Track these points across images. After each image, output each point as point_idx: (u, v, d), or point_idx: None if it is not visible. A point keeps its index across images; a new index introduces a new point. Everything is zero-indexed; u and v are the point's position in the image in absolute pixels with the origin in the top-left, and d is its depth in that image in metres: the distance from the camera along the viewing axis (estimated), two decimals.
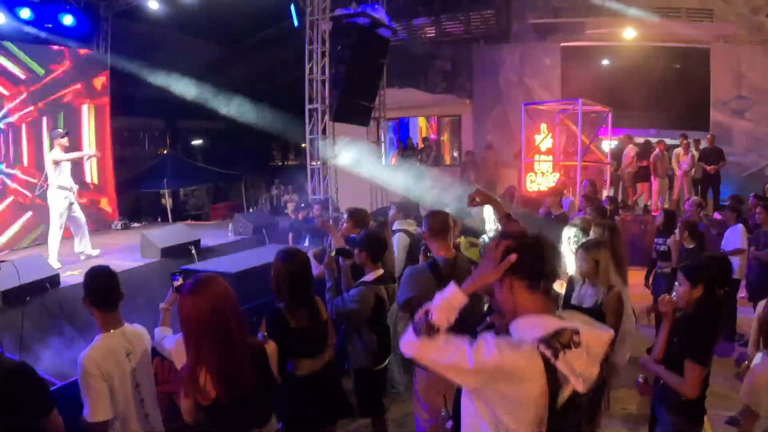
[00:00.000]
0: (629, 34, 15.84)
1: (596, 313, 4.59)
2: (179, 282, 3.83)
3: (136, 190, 15.41)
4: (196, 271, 6.11)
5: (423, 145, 18.83)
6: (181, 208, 16.72)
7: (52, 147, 9.40)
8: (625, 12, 15.67)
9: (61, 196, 9.14)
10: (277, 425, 3.26)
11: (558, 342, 2.12)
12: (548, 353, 2.10)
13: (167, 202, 16.39)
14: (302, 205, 11.61)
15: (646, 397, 4.65)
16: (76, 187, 9.47)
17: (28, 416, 2.89)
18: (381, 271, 4.81)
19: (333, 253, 5.00)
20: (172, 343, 3.57)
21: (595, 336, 2.24)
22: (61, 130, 9.58)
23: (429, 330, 2.18)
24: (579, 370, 2.13)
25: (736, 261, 8.01)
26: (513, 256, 2.20)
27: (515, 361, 2.12)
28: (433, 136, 20.53)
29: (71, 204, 9.29)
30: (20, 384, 2.87)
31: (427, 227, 4.48)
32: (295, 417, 3.90)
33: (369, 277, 4.80)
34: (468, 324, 2.40)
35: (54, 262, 8.63)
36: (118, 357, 3.31)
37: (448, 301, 2.24)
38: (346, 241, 5.50)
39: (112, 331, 3.37)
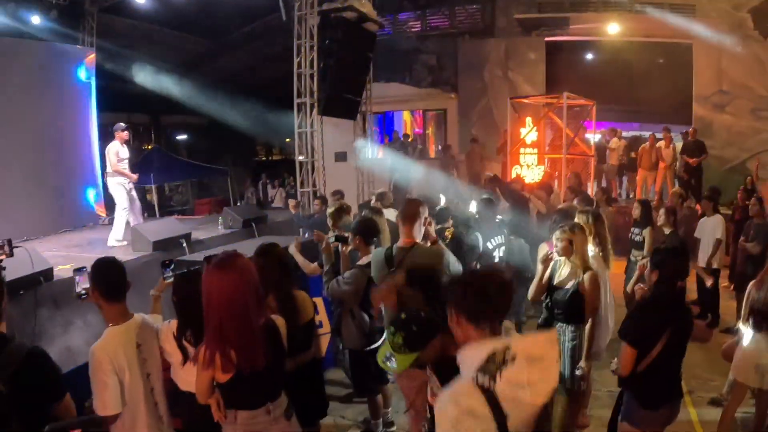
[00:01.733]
0: (613, 29, 16.02)
1: (573, 293, 4.81)
2: (170, 273, 3.94)
3: None
4: (187, 262, 6.19)
5: (403, 140, 18.88)
6: (166, 204, 16.67)
7: (113, 139, 9.96)
8: (608, 7, 15.88)
9: (121, 186, 9.87)
10: (287, 400, 3.31)
11: (492, 364, 2.14)
12: (486, 382, 2.13)
13: (153, 197, 16.36)
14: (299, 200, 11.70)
15: None
16: (135, 176, 10.15)
17: (42, 401, 2.92)
18: None
19: (332, 240, 5.18)
20: (163, 333, 3.65)
21: (531, 342, 2.27)
22: (122, 124, 10.16)
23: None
24: (526, 381, 2.14)
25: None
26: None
27: (459, 408, 2.15)
28: (417, 129, 20.62)
29: (130, 191, 10.04)
30: (35, 369, 2.88)
31: (400, 213, 4.67)
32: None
33: (362, 261, 4.99)
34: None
35: (112, 242, 9.76)
36: (128, 349, 3.31)
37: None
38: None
39: (122, 323, 3.35)
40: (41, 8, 11.88)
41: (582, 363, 4.84)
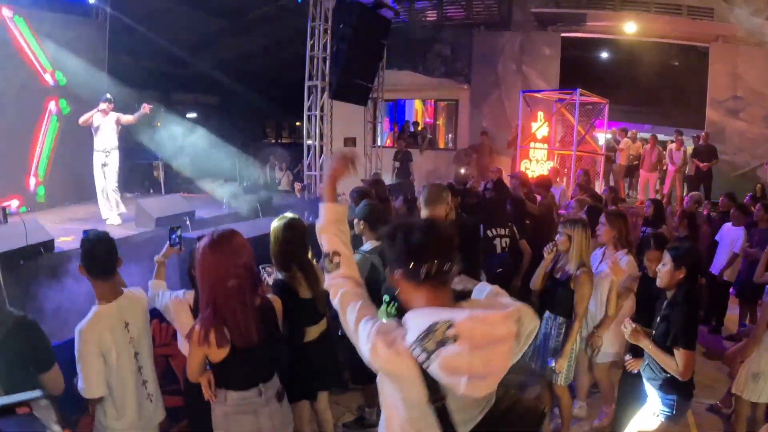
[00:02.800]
0: (630, 28, 15.89)
1: (563, 287, 4.85)
2: (176, 239, 3.91)
3: (129, 161, 15.32)
4: (191, 239, 6.15)
5: (413, 129, 18.85)
6: (173, 181, 16.60)
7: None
8: (626, 6, 15.75)
9: (96, 159, 9.66)
10: (279, 382, 3.31)
11: (430, 341, 1.82)
12: (421, 358, 1.83)
13: (160, 174, 16.32)
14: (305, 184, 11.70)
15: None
16: (112, 150, 9.77)
17: (29, 370, 2.91)
18: (378, 242, 4.86)
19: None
20: (170, 300, 3.63)
21: (481, 321, 1.86)
22: (107, 95, 9.86)
23: (330, 261, 2.16)
24: (465, 369, 1.81)
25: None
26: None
27: (387, 360, 1.93)
28: (428, 119, 20.56)
29: (104, 166, 9.68)
30: (24, 337, 2.88)
31: (423, 197, 4.63)
32: (293, 382, 3.93)
33: (366, 246, 4.91)
34: None
35: (110, 217, 9.68)
36: (115, 329, 3.28)
37: (327, 220, 2.24)
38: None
39: (109, 302, 3.29)
40: None
41: (563, 359, 4.83)
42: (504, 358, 1.91)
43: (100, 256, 3.29)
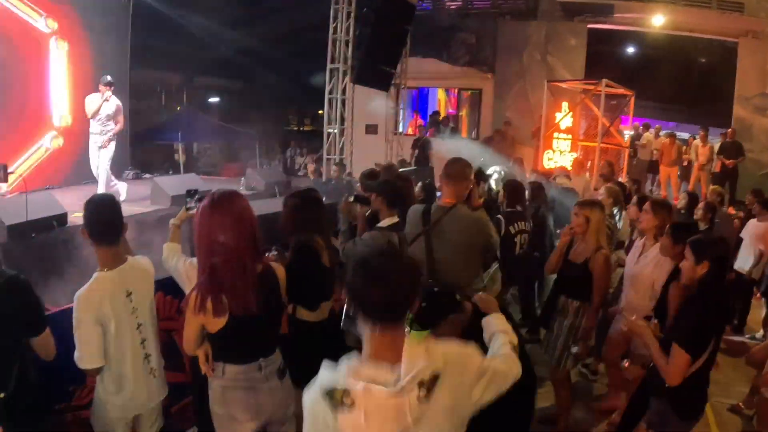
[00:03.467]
0: (658, 20, 15.62)
1: (582, 270, 4.66)
2: (192, 203, 3.77)
3: (149, 143, 15.37)
4: None
5: (434, 117, 18.71)
6: (193, 164, 16.66)
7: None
8: None
9: (93, 142, 9.51)
10: (281, 359, 3.14)
11: (332, 399, 1.82)
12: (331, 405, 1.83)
13: (180, 157, 16.35)
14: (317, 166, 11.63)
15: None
16: (108, 133, 9.55)
17: (19, 331, 2.81)
18: (396, 219, 4.70)
19: (351, 199, 4.97)
20: (185, 265, 3.48)
21: (371, 396, 1.79)
22: (107, 77, 9.66)
23: None
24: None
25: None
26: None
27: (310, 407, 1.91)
28: (451, 110, 20.38)
29: (100, 149, 9.51)
30: (12, 297, 2.76)
31: (444, 171, 4.37)
32: (301, 359, 3.77)
33: (383, 223, 4.72)
34: None
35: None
36: (117, 297, 3.10)
37: None
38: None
39: (111, 269, 3.11)
40: None
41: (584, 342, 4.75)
42: (405, 419, 1.82)
43: (104, 219, 3.14)
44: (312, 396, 1.88)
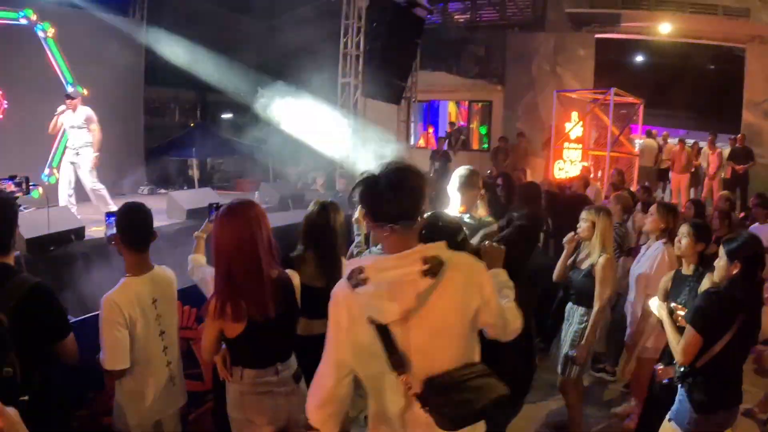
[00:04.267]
0: (665, 28, 15.70)
1: (585, 276, 4.73)
2: (215, 215, 3.90)
3: (164, 158, 15.52)
4: None
5: (451, 130, 18.82)
6: (207, 179, 16.79)
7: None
8: (661, 6, 15.56)
9: (65, 156, 9.19)
10: (296, 364, 3.20)
11: (352, 280, 2.19)
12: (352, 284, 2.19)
13: (194, 172, 16.50)
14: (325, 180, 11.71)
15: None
16: (84, 148, 9.11)
17: (43, 337, 2.87)
18: None
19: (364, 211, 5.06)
20: (210, 275, 3.57)
21: (383, 262, 2.20)
22: (69, 88, 9.42)
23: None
24: (371, 303, 2.14)
25: None
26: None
27: (335, 292, 2.27)
28: (462, 122, 20.49)
29: (73, 164, 9.08)
30: (38, 303, 2.82)
31: (452, 181, 4.53)
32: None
33: None
34: None
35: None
36: (143, 303, 3.18)
37: None
38: None
39: (138, 275, 3.21)
40: None
41: (584, 348, 4.68)
42: (407, 289, 2.14)
43: (138, 225, 3.26)
44: (338, 285, 2.27)
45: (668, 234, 4.95)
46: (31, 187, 5.49)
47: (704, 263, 4.23)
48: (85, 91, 10.42)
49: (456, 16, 19.05)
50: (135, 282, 3.20)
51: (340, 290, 2.25)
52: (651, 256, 5.04)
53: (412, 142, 16.36)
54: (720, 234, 7.07)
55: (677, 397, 3.67)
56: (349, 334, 2.22)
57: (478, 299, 2.25)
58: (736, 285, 3.44)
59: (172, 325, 3.40)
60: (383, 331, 2.14)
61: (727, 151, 14.44)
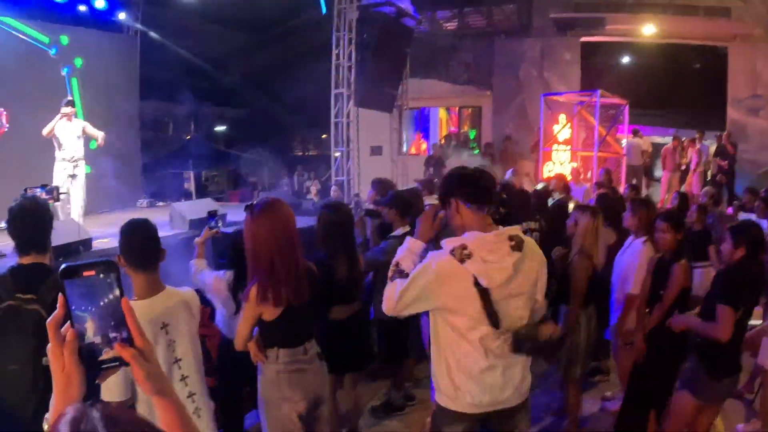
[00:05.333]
0: (648, 30, 16.03)
1: (563, 273, 4.97)
2: (215, 223, 4.19)
3: (160, 171, 15.76)
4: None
5: (443, 139, 19.11)
6: (202, 192, 17.02)
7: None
8: (644, 9, 15.90)
9: (60, 169, 8.89)
10: (317, 346, 3.49)
11: (458, 254, 2.71)
12: (458, 257, 2.72)
13: (191, 185, 16.73)
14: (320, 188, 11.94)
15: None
16: (80, 159, 9.08)
17: None
18: (408, 228, 5.10)
19: (363, 214, 5.40)
20: (211, 279, 3.89)
21: (482, 239, 2.76)
22: (68, 98, 9.18)
23: (401, 275, 2.81)
24: (481, 272, 2.70)
25: None
26: (441, 215, 2.93)
27: (440, 261, 2.75)
28: (453, 128, 20.78)
29: (71, 177, 8.93)
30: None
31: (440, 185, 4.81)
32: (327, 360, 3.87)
33: (398, 232, 5.16)
34: None
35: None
36: (148, 330, 2.67)
37: (410, 249, 2.92)
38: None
39: (145, 298, 2.90)
40: None
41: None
42: (507, 259, 2.76)
43: (140, 242, 2.97)
44: (441, 259, 2.76)
45: (646, 228, 5.19)
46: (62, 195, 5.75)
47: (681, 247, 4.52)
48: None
49: (444, 24, 19.30)
50: (139, 306, 2.73)
51: (446, 263, 2.75)
52: (632, 253, 5.21)
53: (404, 149, 16.62)
54: (697, 227, 7.35)
55: (688, 365, 4.02)
56: (457, 299, 2.79)
57: (541, 274, 3.01)
58: (745, 265, 3.85)
59: (189, 351, 3.03)
60: (485, 294, 2.72)
61: (713, 148, 14.78)
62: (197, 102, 18.03)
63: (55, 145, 8.91)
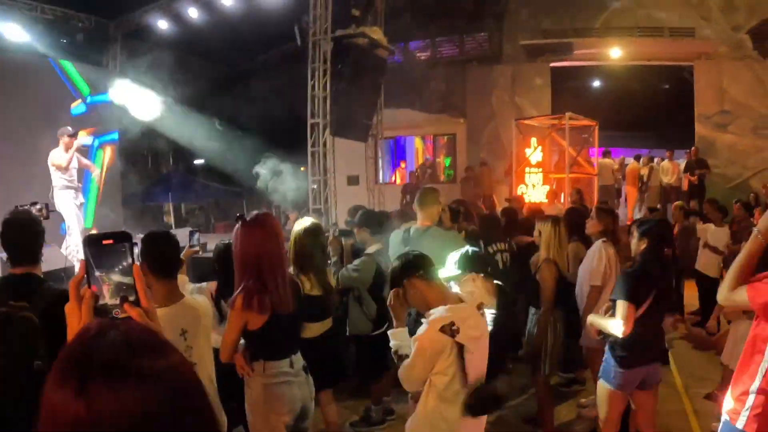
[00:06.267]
0: (615, 53, 16.48)
1: (532, 279, 5.25)
2: (194, 242, 4.39)
3: (140, 203, 15.83)
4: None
5: (419, 169, 19.40)
6: (182, 224, 17.10)
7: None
8: (610, 33, 16.40)
9: (69, 198, 9.13)
10: (302, 359, 3.57)
11: (449, 330, 2.88)
12: (449, 333, 2.90)
13: (170, 217, 16.81)
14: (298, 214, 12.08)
15: None
16: (79, 187, 9.38)
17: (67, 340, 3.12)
18: (380, 245, 5.33)
19: (336, 233, 5.61)
20: (194, 288, 4.05)
21: (464, 316, 2.96)
22: (69, 128, 9.39)
23: (401, 359, 3.05)
24: (466, 340, 2.92)
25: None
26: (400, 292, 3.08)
27: (431, 340, 2.91)
28: (429, 157, 21.07)
29: (81, 204, 9.26)
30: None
31: (416, 199, 5.07)
32: None
33: (370, 249, 5.38)
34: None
35: None
36: (171, 336, 2.85)
37: (397, 338, 3.12)
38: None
39: (167, 305, 3.08)
40: (68, 31, 12.50)
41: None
42: (482, 322, 3.10)
43: (164, 253, 3.21)
44: (431, 335, 2.91)
45: (607, 234, 5.49)
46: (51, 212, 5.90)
47: None
48: None
49: (417, 54, 19.70)
50: (165, 314, 3.01)
51: (444, 339, 2.92)
52: (591, 253, 5.49)
53: (381, 178, 16.84)
54: None
55: (604, 357, 4.26)
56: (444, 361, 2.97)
57: None
58: (647, 260, 4.14)
59: (204, 357, 3.24)
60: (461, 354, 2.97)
61: (682, 164, 15.19)
62: (176, 135, 18.18)
63: (59, 172, 9.10)
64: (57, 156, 9.13)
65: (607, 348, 4.23)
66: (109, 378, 0.94)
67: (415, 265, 3.09)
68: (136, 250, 3.31)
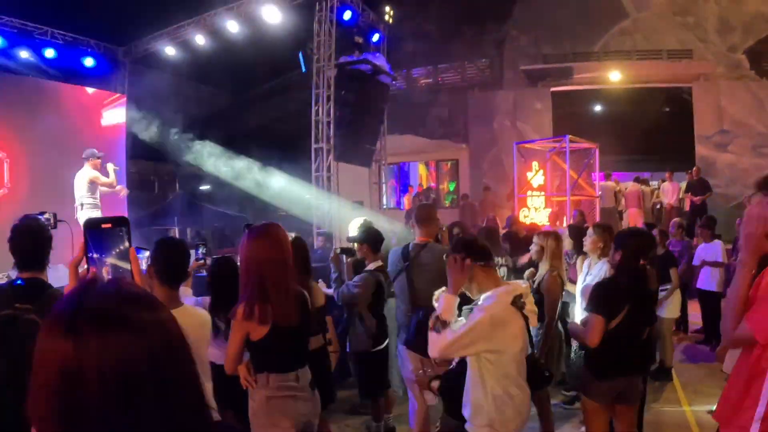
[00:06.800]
0: (615, 76, 16.70)
1: (536, 292, 5.28)
2: (200, 254, 4.47)
3: (146, 227, 15.91)
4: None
5: (421, 190, 19.50)
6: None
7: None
8: (609, 56, 16.60)
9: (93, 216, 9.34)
10: (310, 374, 3.50)
11: (519, 302, 3.19)
12: (518, 305, 3.21)
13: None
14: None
15: None
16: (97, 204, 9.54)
17: None
18: (380, 262, 5.44)
19: (338, 251, 5.70)
20: (200, 303, 4.13)
21: (524, 290, 3.35)
22: (96, 151, 9.72)
23: (443, 326, 3.12)
24: (530, 314, 3.30)
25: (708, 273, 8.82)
26: (469, 262, 3.22)
27: (502, 310, 3.15)
28: (433, 184, 21.21)
29: None
30: None
31: (414, 216, 5.22)
32: None
33: (370, 266, 5.46)
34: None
35: None
36: None
37: (448, 304, 3.17)
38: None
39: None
40: (78, 56, 12.77)
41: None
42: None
43: (175, 260, 3.31)
44: (503, 306, 3.18)
45: (608, 252, 5.56)
46: (59, 222, 6.04)
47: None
48: None
49: (420, 81, 19.93)
50: None
51: (512, 311, 3.20)
52: (597, 275, 5.49)
53: (384, 203, 16.92)
54: (660, 251, 7.76)
55: (582, 371, 4.34)
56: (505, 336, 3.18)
57: None
58: (622, 272, 4.16)
59: (204, 369, 3.20)
60: (528, 329, 3.28)
61: (684, 185, 15.27)
62: (180, 161, 18.39)
63: (89, 192, 9.44)
64: (94, 173, 9.46)
65: (583, 359, 4.33)
66: (97, 322, 1.00)
67: (479, 254, 3.37)
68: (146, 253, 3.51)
